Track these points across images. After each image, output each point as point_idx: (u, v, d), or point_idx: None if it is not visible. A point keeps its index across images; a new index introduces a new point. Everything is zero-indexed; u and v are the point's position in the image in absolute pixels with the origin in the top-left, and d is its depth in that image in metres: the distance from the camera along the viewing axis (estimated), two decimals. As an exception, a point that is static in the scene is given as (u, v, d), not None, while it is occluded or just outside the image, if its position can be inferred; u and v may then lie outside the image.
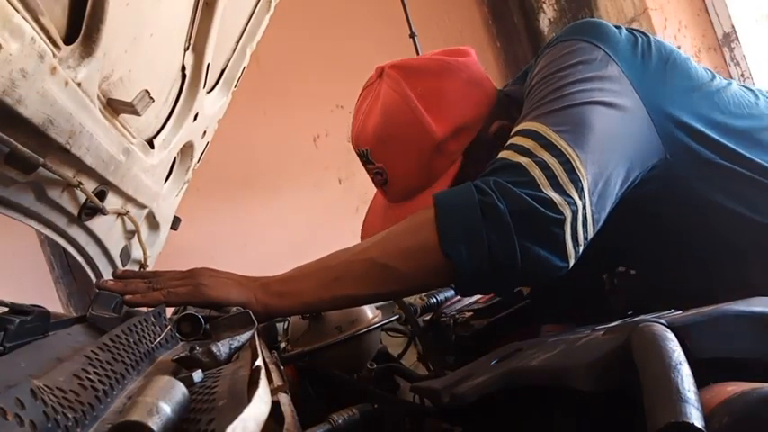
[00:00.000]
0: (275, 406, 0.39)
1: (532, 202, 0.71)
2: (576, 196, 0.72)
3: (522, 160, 0.75)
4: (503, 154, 0.79)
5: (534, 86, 0.87)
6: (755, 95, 0.93)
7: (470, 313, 1.31)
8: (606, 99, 0.80)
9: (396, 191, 1.01)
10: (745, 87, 0.95)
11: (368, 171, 1.02)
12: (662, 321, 0.43)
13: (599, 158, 0.76)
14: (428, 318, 1.43)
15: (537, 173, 0.73)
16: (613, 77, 0.83)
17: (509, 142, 0.80)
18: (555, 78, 0.83)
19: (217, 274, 0.85)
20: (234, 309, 0.80)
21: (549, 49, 0.90)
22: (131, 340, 0.60)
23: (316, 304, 0.85)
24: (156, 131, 1.07)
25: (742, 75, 2.69)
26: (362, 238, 1.05)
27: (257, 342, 0.58)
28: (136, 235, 1.21)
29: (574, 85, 0.81)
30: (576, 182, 0.73)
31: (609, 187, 0.77)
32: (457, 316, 1.33)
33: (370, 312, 1.31)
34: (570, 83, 0.82)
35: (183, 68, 1.03)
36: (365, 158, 1.00)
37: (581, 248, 0.75)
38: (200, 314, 0.76)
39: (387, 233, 0.83)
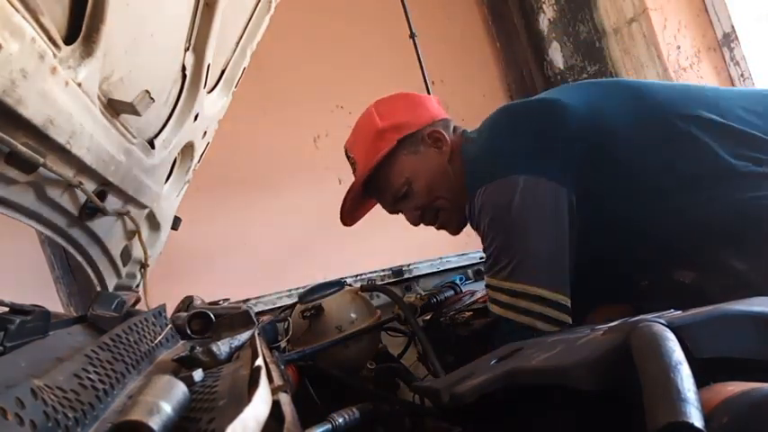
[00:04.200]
0: (275, 405, 0.39)
1: None
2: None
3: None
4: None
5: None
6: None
7: (470, 313, 1.31)
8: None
9: (359, 174, 1.30)
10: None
11: (350, 166, 1.35)
12: (661, 321, 0.43)
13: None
14: (428, 318, 1.43)
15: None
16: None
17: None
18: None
19: None
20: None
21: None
22: (132, 340, 0.60)
23: None
24: (156, 132, 1.07)
25: (742, 75, 2.69)
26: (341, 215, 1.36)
27: (257, 342, 0.58)
28: (136, 235, 1.21)
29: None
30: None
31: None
32: (457, 316, 1.33)
33: (370, 312, 1.31)
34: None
35: (184, 69, 1.03)
36: (348, 156, 1.35)
37: None
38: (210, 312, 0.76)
39: None
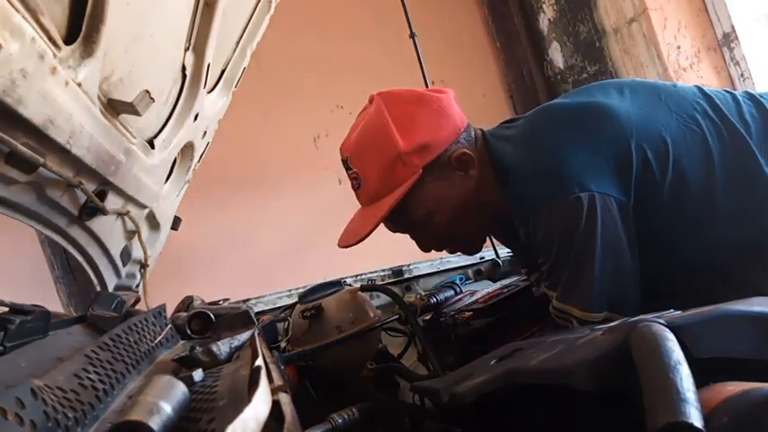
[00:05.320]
0: (275, 405, 0.39)
1: None
2: None
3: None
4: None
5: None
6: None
7: (470, 313, 1.31)
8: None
9: (366, 194, 1.12)
10: None
11: (348, 177, 1.14)
12: (661, 321, 0.43)
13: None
14: (428, 318, 1.43)
15: None
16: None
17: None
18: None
19: None
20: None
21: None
22: (131, 340, 0.60)
23: None
24: (156, 131, 1.07)
25: (742, 75, 2.69)
26: (341, 238, 1.13)
27: (257, 341, 0.58)
28: (136, 235, 1.21)
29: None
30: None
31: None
32: (457, 316, 1.33)
33: (370, 312, 1.31)
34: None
35: (184, 68, 1.03)
36: (346, 164, 1.13)
37: None
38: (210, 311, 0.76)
39: None
